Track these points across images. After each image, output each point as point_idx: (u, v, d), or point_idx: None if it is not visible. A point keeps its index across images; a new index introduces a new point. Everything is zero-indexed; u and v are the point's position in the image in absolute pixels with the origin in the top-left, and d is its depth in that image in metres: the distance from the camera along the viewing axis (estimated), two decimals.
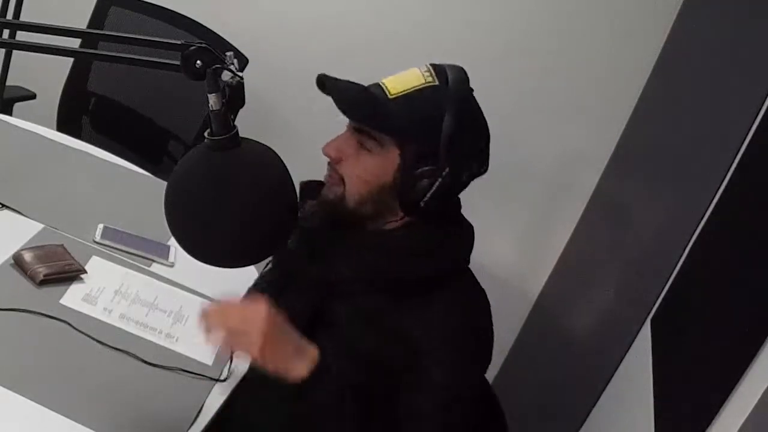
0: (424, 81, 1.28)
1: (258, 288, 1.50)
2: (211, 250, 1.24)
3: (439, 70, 1.29)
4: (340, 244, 1.34)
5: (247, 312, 1.18)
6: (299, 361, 1.19)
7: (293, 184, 1.28)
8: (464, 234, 1.39)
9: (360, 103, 1.28)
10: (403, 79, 1.29)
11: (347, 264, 1.33)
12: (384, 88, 1.28)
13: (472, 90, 1.32)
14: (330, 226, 1.35)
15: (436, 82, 1.27)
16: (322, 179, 1.37)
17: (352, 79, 1.33)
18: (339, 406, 1.22)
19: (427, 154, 1.25)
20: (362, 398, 1.24)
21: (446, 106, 1.25)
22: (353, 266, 1.32)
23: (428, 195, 1.26)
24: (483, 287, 1.39)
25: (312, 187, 1.39)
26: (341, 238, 1.34)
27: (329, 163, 1.33)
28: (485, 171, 1.33)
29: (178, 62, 1.21)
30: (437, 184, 1.25)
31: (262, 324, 1.16)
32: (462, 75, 1.29)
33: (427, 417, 1.24)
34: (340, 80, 1.28)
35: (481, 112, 1.33)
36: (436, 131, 1.24)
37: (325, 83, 1.26)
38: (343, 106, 1.25)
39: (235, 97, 1.21)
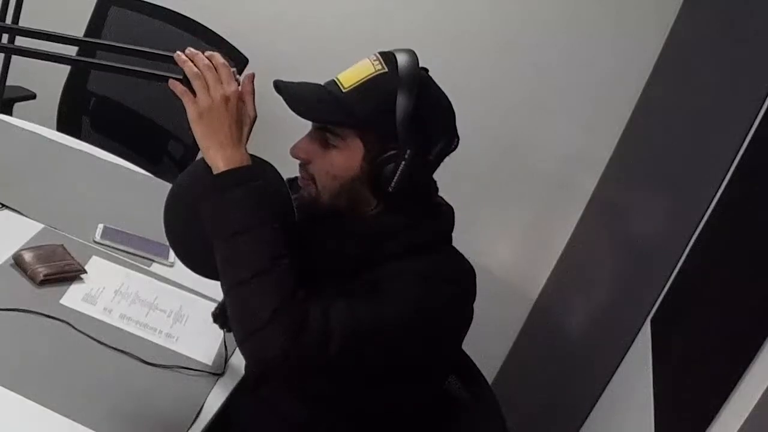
0: (374, 70, 1.30)
1: None
2: (209, 264, 1.24)
3: (388, 56, 1.32)
4: (317, 237, 1.36)
5: (224, 75, 1.22)
6: (222, 152, 1.21)
7: (290, 197, 1.29)
8: (441, 215, 1.39)
9: (313, 103, 1.30)
10: (354, 71, 1.31)
11: (321, 255, 1.34)
12: (338, 83, 1.31)
13: (426, 70, 1.34)
14: (310, 222, 1.37)
15: (386, 69, 1.29)
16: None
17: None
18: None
19: (388, 139, 1.27)
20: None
21: (398, 89, 1.27)
22: (325, 256, 1.34)
23: (395, 179, 1.27)
24: (478, 283, 1.38)
25: (295, 185, 1.41)
26: (318, 231, 1.37)
27: (300, 164, 1.35)
28: (455, 148, 1.35)
29: (176, 75, 1.21)
30: (402, 166, 1.26)
31: (224, 93, 1.21)
32: (411, 57, 1.31)
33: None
34: (294, 83, 1.31)
35: (439, 90, 1.34)
36: (392, 115, 1.26)
37: (280, 87, 1.28)
38: (297, 108, 1.27)
39: None
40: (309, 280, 1.31)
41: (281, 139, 1.40)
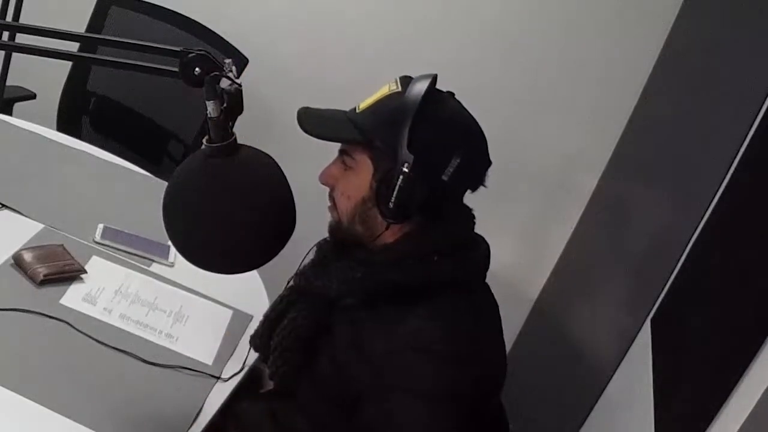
0: (388, 91, 1.31)
1: (275, 303, 1.52)
2: (208, 257, 1.24)
3: (406, 79, 1.32)
4: (339, 261, 1.38)
5: None
6: None
7: (290, 191, 1.29)
8: (465, 249, 1.37)
9: (323, 121, 1.32)
10: (373, 95, 1.34)
11: (337, 279, 1.35)
12: (357, 107, 1.33)
13: (452, 93, 1.34)
14: (337, 247, 1.39)
15: (399, 89, 1.30)
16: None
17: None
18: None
19: (396, 156, 1.26)
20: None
21: (406, 105, 1.26)
22: (340, 281, 1.35)
23: (394, 193, 1.25)
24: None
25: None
26: (341, 256, 1.38)
27: (329, 193, 1.38)
28: (481, 165, 1.34)
29: (176, 69, 1.21)
30: (399, 181, 1.24)
31: None
32: (426, 78, 1.30)
33: None
34: (318, 108, 1.33)
35: (457, 111, 1.33)
36: (396, 129, 1.26)
37: (300, 114, 1.31)
38: (306, 127, 1.29)
39: (233, 104, 1.21)
40: (328, 310, 1.32)
41: (281, 141, 1.40)
